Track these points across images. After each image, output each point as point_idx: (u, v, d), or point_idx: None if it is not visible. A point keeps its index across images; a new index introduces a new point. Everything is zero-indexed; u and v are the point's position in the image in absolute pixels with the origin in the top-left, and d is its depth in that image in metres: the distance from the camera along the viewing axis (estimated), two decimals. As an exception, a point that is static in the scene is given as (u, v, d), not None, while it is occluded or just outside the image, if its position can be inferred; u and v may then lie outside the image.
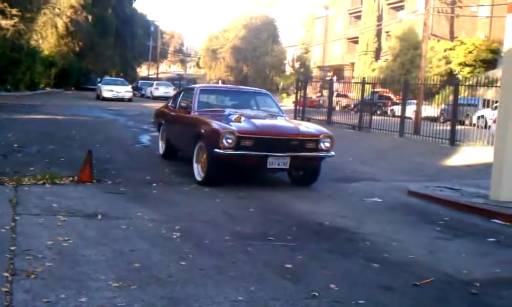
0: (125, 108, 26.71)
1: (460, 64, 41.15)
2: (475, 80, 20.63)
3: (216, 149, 7.43)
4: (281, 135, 7.94)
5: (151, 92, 43.72)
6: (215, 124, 7.87)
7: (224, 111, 8.78)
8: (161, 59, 79.85)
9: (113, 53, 53.16)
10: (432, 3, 24.95)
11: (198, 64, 74.83)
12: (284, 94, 52.83)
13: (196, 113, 8.86)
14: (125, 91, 35.38)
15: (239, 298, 3.69)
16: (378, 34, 51.89)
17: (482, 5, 43.18)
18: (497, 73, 23.29)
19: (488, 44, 40.67)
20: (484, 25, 44.57)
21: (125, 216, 5.78)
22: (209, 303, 3.60)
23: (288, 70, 56.64)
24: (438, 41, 42.97)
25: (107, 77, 42.06)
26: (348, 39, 57.93)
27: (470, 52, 40.85)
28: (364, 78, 21.57)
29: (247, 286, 3.92)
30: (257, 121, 8.21)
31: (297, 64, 58.33)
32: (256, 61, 39.52)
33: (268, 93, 10.66)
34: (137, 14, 63.85)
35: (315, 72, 58.64)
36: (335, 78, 39.14)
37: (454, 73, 40.26)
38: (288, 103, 44.96)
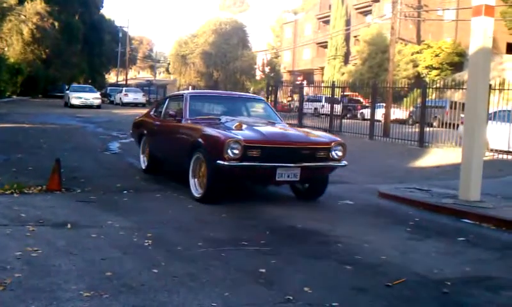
0: (93, 115, 26.37)
1: (427, 67, 41.86)
2: (442, 82, 21.01)
3: (219, 161, 6.62)
4: (291, 143, 7.10)
5: (120, 98, 43.29)
6: (217, 132, 7.10)
7: (220, 119, 7.96)
8: (130, 65, 79.24)
9: (81, 60, 52.49)
10: (399, 7, 25.31)
11: (167, 70, 74.47)
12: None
13: (188, 121, 7.99)
14: (93, 97, 35.00)
15: (213, 304, 3.66)
16: (347, 39, 52.44)
17: (448, 9, 44.00)
18: (464, 75, 23.75)
19: (454, 47, 41.47)
20: (450, 28, 45.43)
21: (95, 224, 5.69)
22: (183, 310, 3.57)
23: (259, 74, 56.83)
24: (406, 44, 43.63)
25: (75, 84, 41.51)
26: (317, 43, 58.40)
27: (436, 55, 41.59)
28: (334, 82, 21.77)
29: (221, 292, 3.89)
30: (263, 129, 7.44)
31: (267, 69, 58.53)
32: (227, 66, 39.48)
33: (263, 98, 10.04)
34: (105, 20, 63.24)
35: (286, 76, 58.91)
36: (305, 82, 39.39)
37: (422, 76, 40.92)
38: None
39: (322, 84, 22.53)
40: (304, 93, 24.79)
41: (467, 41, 8.30)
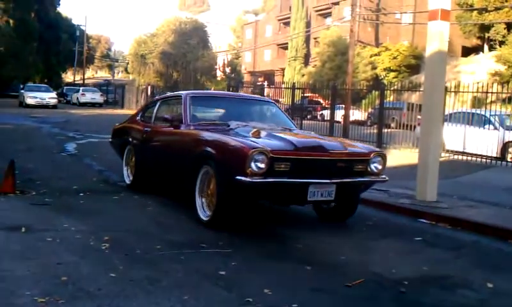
0: (49, 115, 25.80)
1: (385, 69, 42.59)
2: (399, 84, 21.41)
3: (239, 177, 5.34)
4: (326, 154, 5.79)
5: (77, 98, 42.51)
6: (235, 141, 5.77)
7: (228, 124, 6.61)
8: (88, 64, 77.83)
9: (37, 58, 51.18)
10: (358, 10, 25.67)
11: (126, 70, 73.56)
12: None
13: (191, 127, 6.69)
14: (49, 97, 34.39)
15: (172, 308, 3.61)
16: (307, 40, 52.86)
17: (406, 12, 44.91)
18: (420, 77, 24.26)
19: (411, 50, 42.32)
20: (407, 31, 46.41)
21: (51, 228, 5.53)
22: (141, 315, 3.51)
23: (220, 75, 56.73)
24: (364, 47, 44.29)
25: (30, 84, 40.57)
26: (278, 45, 58.69)
27: (394, 58, 42.36)
28: (294, 83, 21.90)
29: (180, 295, 3.84)
30: (289, 137, 6.10)
31: (228, 70, 58.50)
32: (187, 66, 39.19)
33: (273, 101, 8.76)
34: (62, 18, 61.93)
35: (246, 77, 58.99)
36: (265, 83, 39.52)
37: (380, 78, 41.62)
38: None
39: (283, 85, 22.62)
40: (265, 94, 24.86)
41: (424, 44, 8.47)
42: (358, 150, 6.29)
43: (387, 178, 6.30)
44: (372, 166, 6.10)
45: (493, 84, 15.43)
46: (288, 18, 55.91)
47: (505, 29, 36.54)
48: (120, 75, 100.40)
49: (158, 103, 8.14)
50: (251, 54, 64.02)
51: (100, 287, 3.91)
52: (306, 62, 52.07)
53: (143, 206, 6.95)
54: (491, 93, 14.43)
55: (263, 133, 6.10)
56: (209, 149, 5.97)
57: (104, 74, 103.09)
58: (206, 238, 5.48)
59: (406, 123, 16.94)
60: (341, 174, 5.82)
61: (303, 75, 46.02)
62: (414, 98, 19.93)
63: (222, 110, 7.73)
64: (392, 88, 20.73)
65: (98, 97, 42.73)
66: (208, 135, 6.29)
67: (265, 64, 61.99)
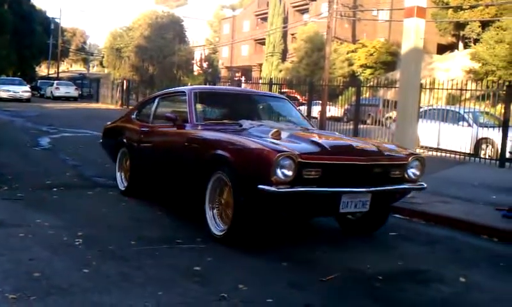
0: (22, 109, 25.41)
1: (362, 66, 42.88)
2: (375, 81, 21.57)
3: (262, 186, 4.61)
4: (362, 159, 5.07)
5: (51, 92, 41.97)
6: (256, 144, 4.96)
7: (240, 124, 5.95)
8: (62, 57, 76.71)
9: (10, 51, 50.27)
10: (335, 7, 25.77)
11: (101, 64, 72.72)
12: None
13: (199, 127, 5.93)
14: (22, 91, 34.01)
15: (146, 304, 3.57)
16: (284, 36, 52.93)
17: (382, 9, 45.26)
18: (396, 74, 24.45)
19: (388, 47, 42.67)
20: (383, 28, 46.78)
21: (23, 223, 5.43)
22: (114, 311, 3.47)
23: (197, 69, 56.46)
24: (341, 43, 44.51)
25: (3, 77, 39.96)
26: (255, 40, 58.66)
27: (371, 55, 42.67)
28: (271, 79, 21.92)
29: (154, 291, 3.80)
30: (317, 138, 5.40)
31: (205, 65, 58.25)
32: (163, 60, 38.84)
33: (285, 97, 7.96)
34: (36, 10, 60.92)
35: (224, 72, 58.84)
36: (243, 78, 39.46)
37: (356, 74, 41.88)
38: (196, 103, 44.63)
39: (260, 81, 22.61)
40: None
41: (400, 41, 8.54)
42: (396, 154, 5.51)
43: (425, 185, 5.59)
44: (410, 172, 5.40)
45: (467, 81, 15.64)
46: (266, 13, 55.89)
47: (479, 27, 37.07)
48: (95, 69, 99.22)
49: (156, 100, 7.27)
50: (228, 49, 63.86)
51: (72, 283, 3.86)
52: (283, 58, 52.14)
53: (118, 202, 6.88)
54: (466, 90, 14.63)
55: (284, 135, 5.36)
56: (223, 152, 5.14)
57: (78, 68, 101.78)
58: (182, 234, 5.45)
59: (381, 120, 17.09)
60: (377, 182, 5.09)
61: (281, 71, 46.09)
62: (390, 94, 20.11)
63: (230, 108, 6.86)
64: (368, 85, 20.87)
65: (72, 91, 42.25)
66: (221, 136, 5.49)
67: (242, 59, 61.91)
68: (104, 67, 64.38)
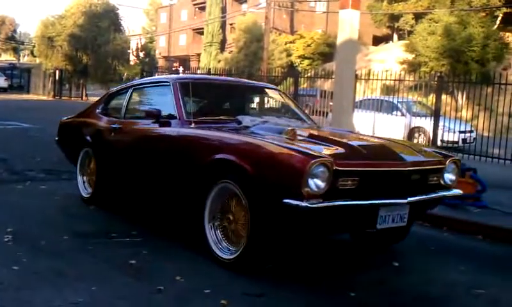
0: (-51, 100, 24.15)
1: (300, 57, 43.33)
2: (313, 72, 21.82)
3: (291, 201, 3.71)
4: (401, 164, 4.24)
5: (-21, 82, 40.15)
6: (280, 147, 4.02)
7: (239, 121, 5.02)
8: (-9, 46, 73.50)
9: None
10: (272, -3, 25.86)
11: (32, 53, 70.05)
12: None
13: (191, 125, 4.85)
14: None
15: (79, 300, 3.46)
16: (223, 26, 52.73)
17: (320, 0, 45.87)
18: (333, 65, 24.84)
19: (325, 38, 43.29)
20: (321, 20, 47.45)
21: None
22: (45, 308, 3.34)
23: (133, 59, 55.39)
24: (280, 34, 44.83)
25: None
26: (193, 30, 58.12)
27: (308, 46, 43.18)
28: (210, 69, 21.78)
29: (87, 286, 3.69)
30: (347, 140, 4.62)
31: (141, 54, 57.22)
32: (98, 50, 37.77)
33: (276, 87, 7.26)
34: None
35: (161, 62, 58.02)
36: (181, 68, 39.05)
37: (295, 65, 42.29)
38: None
39: (198, 71, 22.43)
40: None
41: (336, 32, 8.64)
42: (433, 158, 4.69)
43: (461, 192, 4.92)
44: (446, 177, 4.65)
45: (401, 72, 16.08)
46: (204, 2, 55.46)
47: (413, 19, 38.17)
48: (26, 59, 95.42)
49: (130, 92, 6.16)
50: (166, 38, 63.01)
51: (2, 281, 3.69)
52: (222, 48, 51.96)
53: (50, 196, 6.63)
54: (400, 80, 15.03)
55: (302, 135, 4.64)
56: (231, 157, 4.20)
57: (8, 57, 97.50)
58: (116, 227, 5.31)
59: (319, 110, 17.32)
60: (414, 191, 4.30)
61: (219, 61, 45.91)
62: (327, 85, 20.39)
63: (222, 101, 6.04)
64: (306, 75, 21.10)
65: (2, 81, 40.66)
66: (225, 136, 4.55)
67: (180, 49, 61.24)
68: (35, 57, 62.03)
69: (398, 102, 15.78)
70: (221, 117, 5.24)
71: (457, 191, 4.79)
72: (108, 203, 6.21)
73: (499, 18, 32.71)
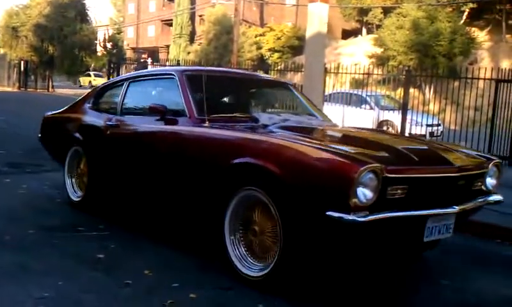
0: None
1: (270, 49, 43.33)
2: (283, 65, 21.86)
3: (336, 214, 3.26)
4: (450, 170, 3.81)
5: None
6: (320, 151, 3.52)
7: (256, 119, 4.62)
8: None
9: None
10: (242, -11, 25.78)
11: (-3, 43, 68.57)
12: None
13: (205, 123, 4.28)
14: None
15: (45, 294, 3.39)
16: (192, 18, 52.30)
17: (289, -7, 45.93)
18: (303, 58, 24.94)
19: (295, 31, 43.38)
20: (291, 13, 47.50)
21: None
22: (10, 304, 3.26)
23: (100, 50, 54.55)
24: (250, 27, 44.71)
25: None
26: (162, 21, 57.51)
27: (278, 39, 43.19)
28: (179, 61, 21.60)
29: (53, 281, 3.62)
30: (389, 142, 4.25)
31: (109, 45, 56.42)
32: (64, 40, 37.04)
33: (290, 82, 6.53)
34: None
35: (129, 54, 57.30)
36: (149, 60, 38.62)
37: (265, 58, 42.29)
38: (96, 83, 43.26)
39: (167, 63, 22.19)
40: (149, 72, 24.26)
41: (306, 26, 8.65)
42: (477, 161, 4.29)
43: (502, 198, 4.39)
44: (487, 182, 4.25)
45: (370, 66, 16.22)
46: (173, -7, 54.94)
47: (381, 13, 38.55)
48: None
49: (126, 85, 5.53)
50: (134, 29, 62.21)
51: (-38, 277, 3.60)
52: (191, 40, 51.55)
53: (15, 189, 6.46)
54: (368, 74, 15.16)
55: (335, 136, 4.33)
56: (258, 161, 3.68)
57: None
58: (83, 221, 5.23)
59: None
60: (460, 198, 3.90)
61: (189, 53, 45.53)
62: (297, 78, 20.44)
63: (233, 97, 5.62)
64: (276, 68, 21.11)
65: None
66: (251, 137, 3.99)
67: (149, 40, 60.56)
68: (-1, 47, 60.83)
69: (367, 95, 15.93)
70: (235, 114, 4.75)
71: (498, 197, 4.34)
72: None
73: (465, 13, 33.27)
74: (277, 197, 3.58)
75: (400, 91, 15.73)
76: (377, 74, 15.72)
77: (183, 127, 4.42)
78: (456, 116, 12.28)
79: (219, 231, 4.00)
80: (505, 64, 23.54)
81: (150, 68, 23.62)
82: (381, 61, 26.77)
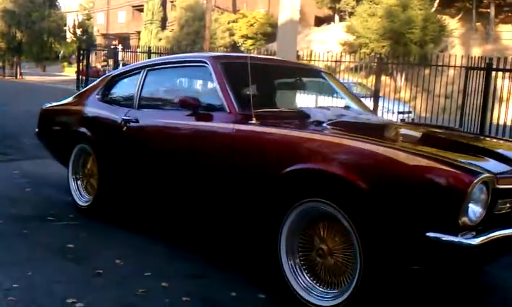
0: None
1: (243, 36, 43.14)
2: (256, 52, 21.81)
3: (439, 235, 2.65)
4: None
5: None
6: (416, 157, 2.83)
7: (306, 114, 3.91)
8: None
9: None
10: (214, -25, 25.59)
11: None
12: (65, 63, 49.76)
13: (251, 121, 3.55)
14: None
15: (14, 285, 3.34)
16: (163, 4, 51.72)
17: (260, -20, 45.70)
18: (275, 45, 24.92)
19: (268, 18, 43.25)
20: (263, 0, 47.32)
21: None
22: (-22, 296, 3.21)
23: (70, 36, 53.63)
24: (222, 13, 44.41)
25: None
26: (133, 7, 56.73)
27: (251, 25, 43.03)
28: (150, 47, 21.37)
29: (23, 271, 3.57)
30: (479, 143, 3.81)
31: (78, 31, 55.50)
32: (32, 26, 36.31)
33: (328, 71, 5.90)
34: None
35: (99, 40, 56.45)
36: (120, 46, 38.12)
37: (238, 45, 42.10)
38: (70, 72, 42.73)
39: (138, 50, 21.97)
40: (120, 58, 23.97)
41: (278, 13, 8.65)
42: None
43: None
44: None
45: (342, 53, 16.30)
46: (144, -21, 54.21)
47: (354, 0, 38.71)
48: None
49: (143, 74, 4.81)
50: (104, 15, 61.28)
51: None
52: (163, 26, 51.00)
53: (-18, 178, 6.36)
54: (341, 62, 15.23)
55: (417, 136, 3.77)
56: (329, 168, 3.04)
57: None
58: (53, 210, 5.15)
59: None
60: None
61: (160, 40, 45.05)
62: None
63: (272, 88, 4.92)
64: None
65: None
66: (316, 138, 3.26)
67: (119, 26, 59.73)
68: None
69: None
70: (281, 109, 4.25)
71: None
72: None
73: (437, 1, 33.60)
74: (353, 212, 2.95)
75: (372, 79, 15.85)
76: (349, 61, 15.82)
77: (222, 124, 3.74)
78: (426, 103, 12.45)
79: (272, 250, 3.36)
80: (475, 51, 23.93)
81: (120, 55, 23.34)
82: (353, 48, 26.89)
